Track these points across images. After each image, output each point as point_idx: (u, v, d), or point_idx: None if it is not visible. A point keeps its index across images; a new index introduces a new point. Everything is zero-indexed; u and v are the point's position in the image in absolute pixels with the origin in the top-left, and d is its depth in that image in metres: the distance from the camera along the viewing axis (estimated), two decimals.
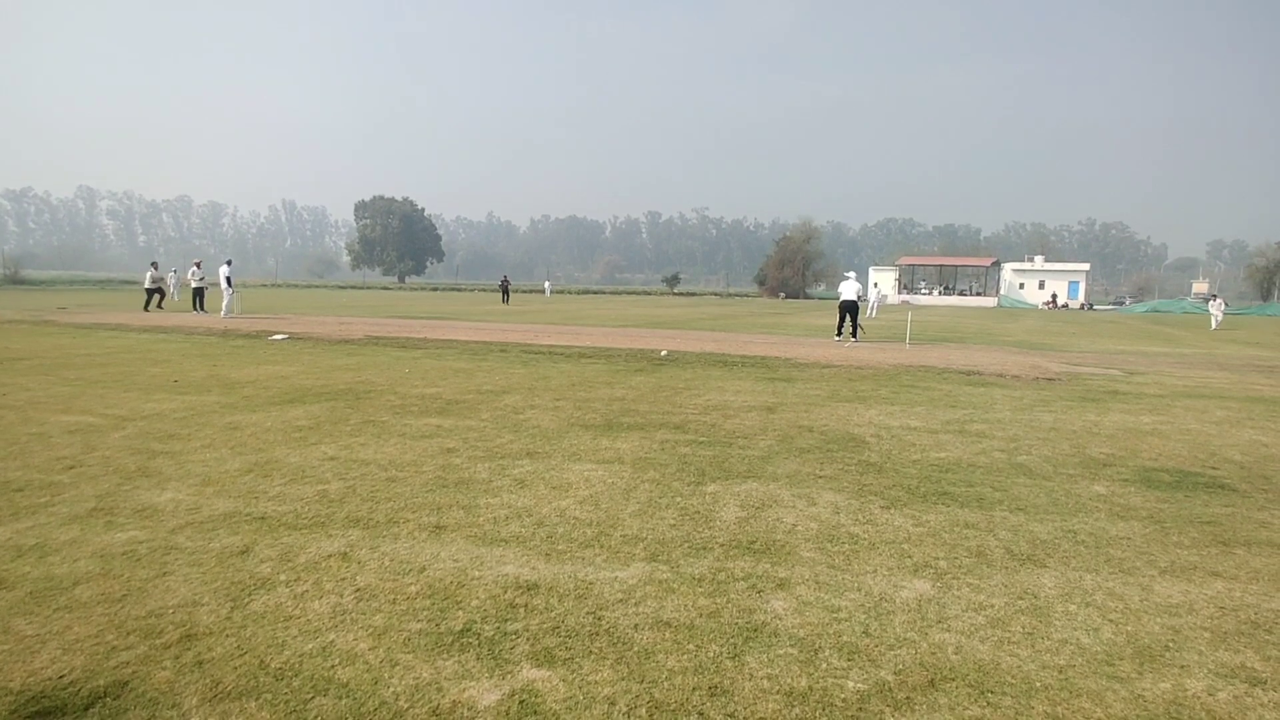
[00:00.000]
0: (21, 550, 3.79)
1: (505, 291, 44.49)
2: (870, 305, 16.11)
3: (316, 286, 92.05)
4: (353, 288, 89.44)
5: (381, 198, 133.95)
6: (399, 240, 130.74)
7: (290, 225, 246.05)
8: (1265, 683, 2.77)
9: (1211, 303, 34.73)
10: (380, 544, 3.95)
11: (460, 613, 3.20)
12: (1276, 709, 2.61)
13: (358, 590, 3.40)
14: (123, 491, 4.77)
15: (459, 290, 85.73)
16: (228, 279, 22.75)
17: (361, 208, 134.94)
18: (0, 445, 5.92)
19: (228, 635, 2.99)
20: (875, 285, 15.94)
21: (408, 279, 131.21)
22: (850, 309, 18.01)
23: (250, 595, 3.33)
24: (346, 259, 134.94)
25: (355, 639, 2.97)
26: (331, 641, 2.95)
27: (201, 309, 23.53)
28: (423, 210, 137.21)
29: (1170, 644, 3.05)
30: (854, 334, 17.98)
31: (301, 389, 8.91)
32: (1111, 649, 2.99)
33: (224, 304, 22.40)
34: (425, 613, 3.20)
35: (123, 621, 3.08)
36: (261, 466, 5.40)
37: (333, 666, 2.77)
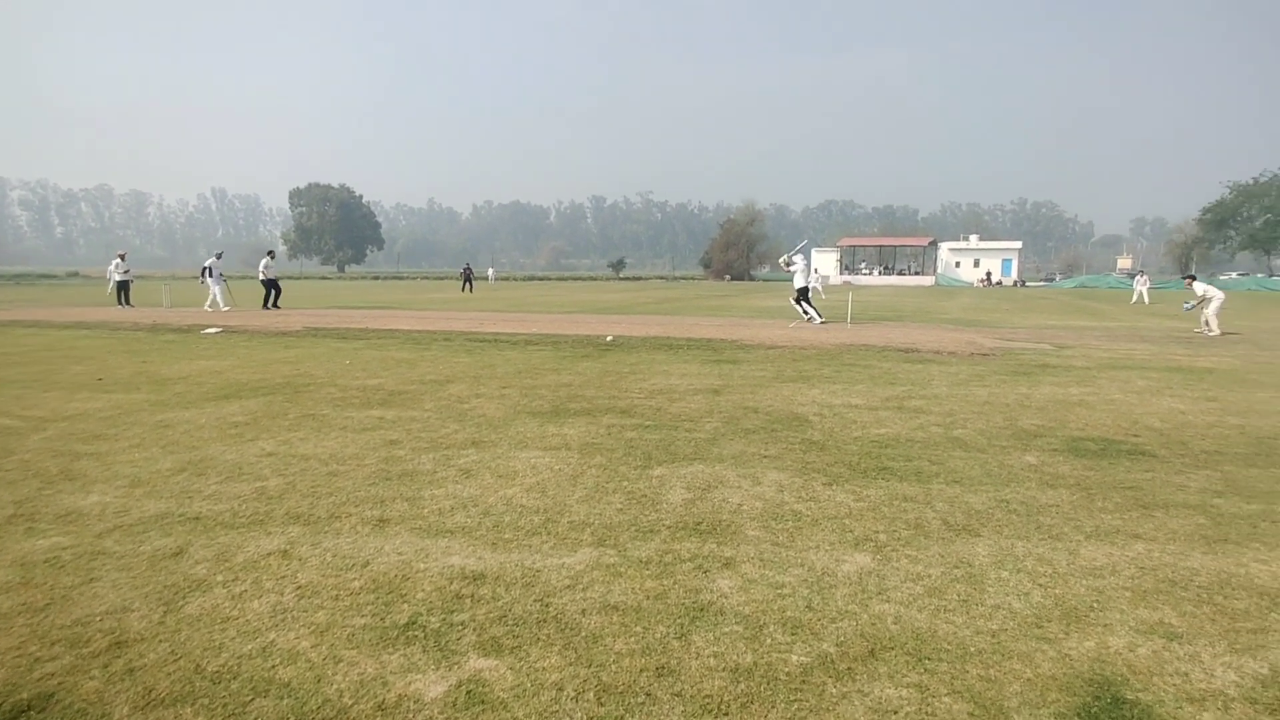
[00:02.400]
0: None
1: (468, 279, 43.37)
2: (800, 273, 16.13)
3: (251, 278, 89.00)
4: (290, 278, 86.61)
5: (318, 185, 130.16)
6: (337, 228, 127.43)
7: (222, 214, 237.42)
8: (1181, 637, 2.93)
9: (1137, 279, 35.98)
10: (322, 540, 3.86)
11: (405, 606, 3.16)
12: (1191, 661, 2.77)
13: (299, 588, 3.32)
14: (44, 496, 4.55)
15: (401, 279, 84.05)
16: (207, 269, 21.40)
17: (297, 195, 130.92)
18: None
19: (160, 640, 2.89)
20: (789, 265, 16.09)
21: (347, 268, 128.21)
22: (804, 293, 17.98)
23: (185, 598, 3.23)
24: (283, 248, 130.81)
25: (297, 637, 2.91)
26: (272, 641, 2.88)
27: (127, 303, 22.52)
28: (361, 197, 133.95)
29: (1095, 604, 3.20)
30: (806, 315, 17.93)
31: (237, 384, 8.64)
32: (1040, 612, 3.13)
33: (212, 298, 21.08)
34: (369, 608, 3.15)
35: (46, 631, 2.95)
36: (195, 465, 5.22)
37: (273, 667, 2.71)
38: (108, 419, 6.71)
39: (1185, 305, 17.70)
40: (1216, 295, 16.69)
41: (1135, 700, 2.53)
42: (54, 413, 7.00)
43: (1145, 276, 36.13)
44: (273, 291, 22.37)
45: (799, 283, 17.98)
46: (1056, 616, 3.09)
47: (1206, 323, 16.53)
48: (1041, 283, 75.87)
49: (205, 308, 21.11)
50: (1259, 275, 71.62)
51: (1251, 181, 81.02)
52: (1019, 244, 75.06)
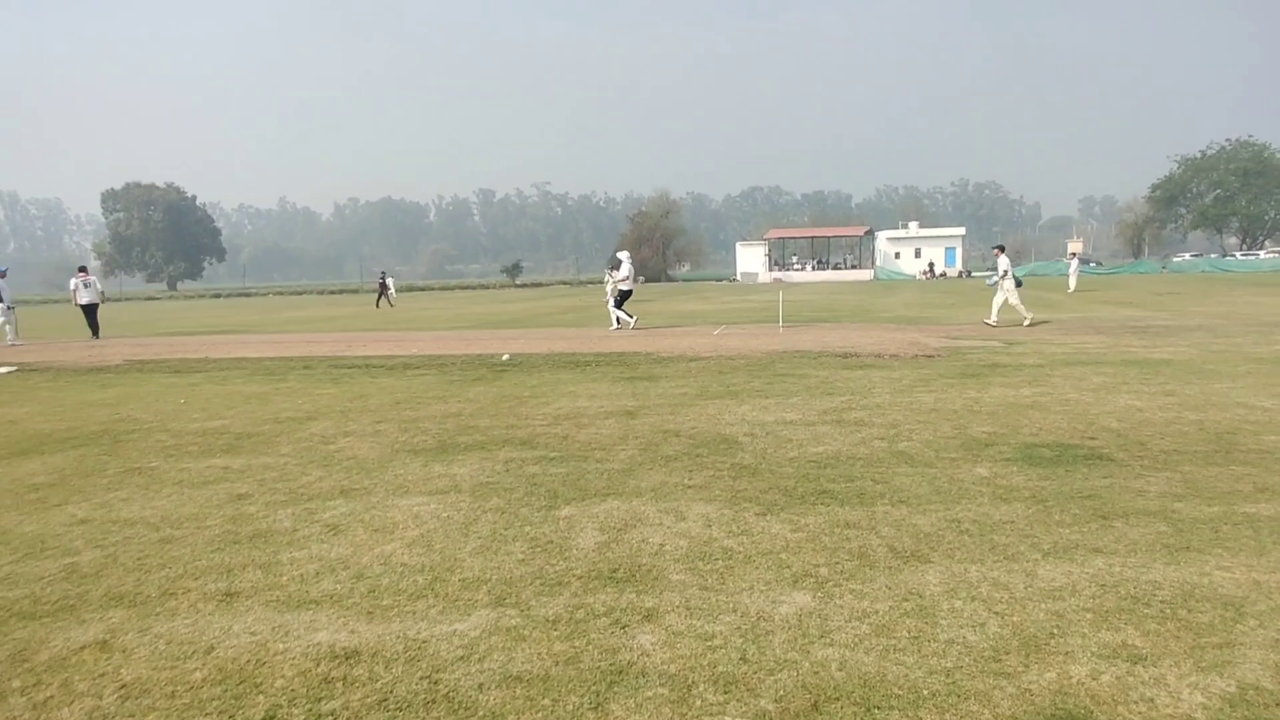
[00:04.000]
0: None
1: (383, 291, 39.84)
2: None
3: (56, 301, 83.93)
4: (107, 300, 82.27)
5: (138, 185, 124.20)
6: (165, 237, 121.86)
7: (13, 224, 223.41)
8: (1145, 659, 3.12)
9: (1071, 263, 38.75)
10: (152, 624, 3.67)
11: (261, 698, 3.03)
12: (1156, 684, 2.95)
13: (123, 687, 3.14)
14: None
15: (249, 295, 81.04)
16: None
17: (112, 198, 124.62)
18: None
19: None
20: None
21: (181, 285, 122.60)
22: (626, 295, 19.20)
23: None
24: (96, 264, 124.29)
25: None
26: None
27: None
28: (194, 198, 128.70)
29: (1055, 630, 3.37)
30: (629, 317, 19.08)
31: (38, 435, 8.12)
32: (998, 643, 3.27)
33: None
34: (215, 704, 3.00)
35: None
36: None
37: None
38: None
39: (988, 280, 18.97)
40: (1010, 280, 18.05)
41: None
42: None
43: (1076, 260, 39.18)
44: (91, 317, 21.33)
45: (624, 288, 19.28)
46: (1015, 647, 3.23)
47: (1015, 306, 17.83)
48: (988, 272, 79.83)
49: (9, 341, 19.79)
50: (1213, 255, 77.39)
51: (1199, 155, 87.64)
52: (962, 230, 78.76)
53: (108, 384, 12.05)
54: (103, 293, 23.38)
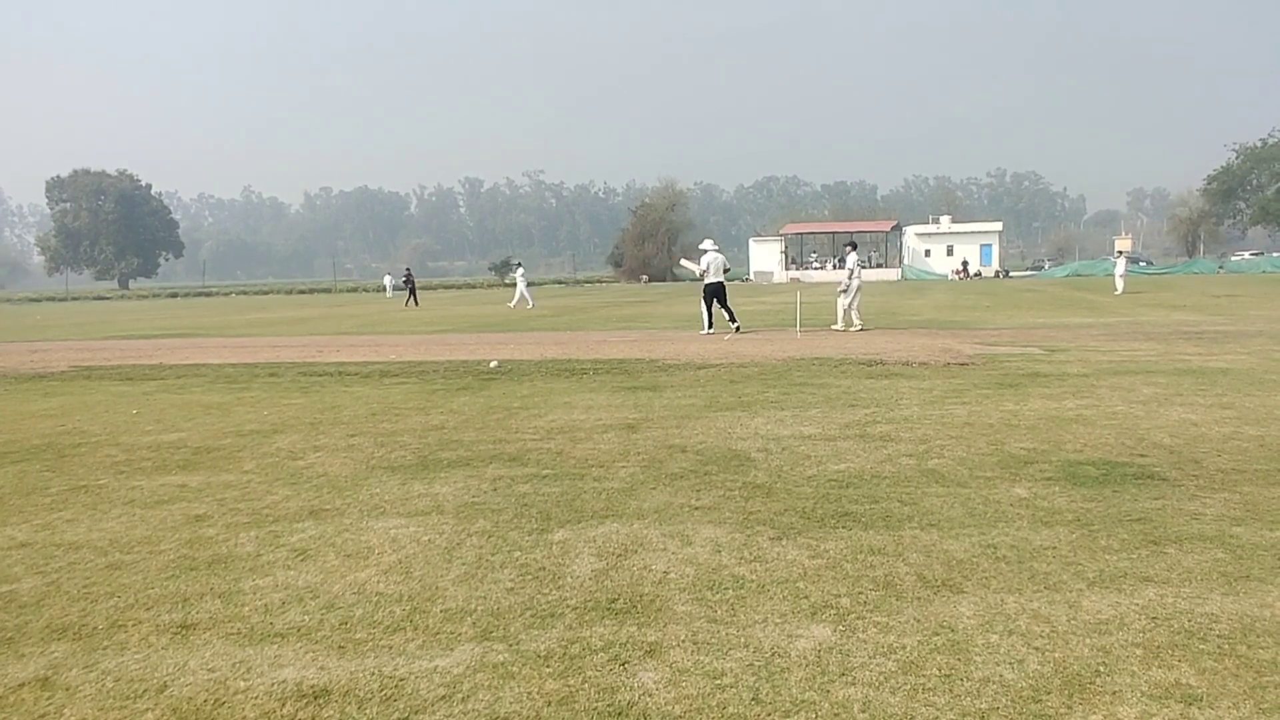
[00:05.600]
0: None
1: (411, 290, 43.47)
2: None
3: None
4: (51, 300, 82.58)
5: (87, 172, 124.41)
6: (116, 230, 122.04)
7: None
8: (1201, 699, 3.12)
9: (1118, 262, 38.81)
10: (100, 659, 3.67)
11: None
12: None
13: None
14: None
15: (209, 295, 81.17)
16: None
17: (57, 186, 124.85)
18: None
19: None
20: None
21: (133, 283, 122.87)
22: (718, 292, 18.49)
23: None
24: (39, 259, 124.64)
25: None
26: None
27: None
28: (149, 187, 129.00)
29: (1101, 668, 3.36)
30: (734, 321, 18.48)
31: None
32: (1038, 682, 3.27)
33: None
34: None
35: None
36: None
37: None
38: None
39: (840, 287, 19.44)
40: (858, 280, 18.73)
41: None
42: None
43: (1124, 259, 39.26)
44: None
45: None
46: (1057, 686, 3.23)
47: (850, 310, 18.60)
48: (1028, 272, 79.99)
49: None
50: (1275, 255, 77.31)
51: (1260, 144, 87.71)
52: (999, 225, 78.98)
53: (51, 392, 12.08)
54: None
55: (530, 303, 35.27)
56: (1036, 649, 3.53)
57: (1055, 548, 4.68)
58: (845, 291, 18.74)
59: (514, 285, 41.87)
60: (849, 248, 19.61)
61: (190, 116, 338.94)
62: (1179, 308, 25.40)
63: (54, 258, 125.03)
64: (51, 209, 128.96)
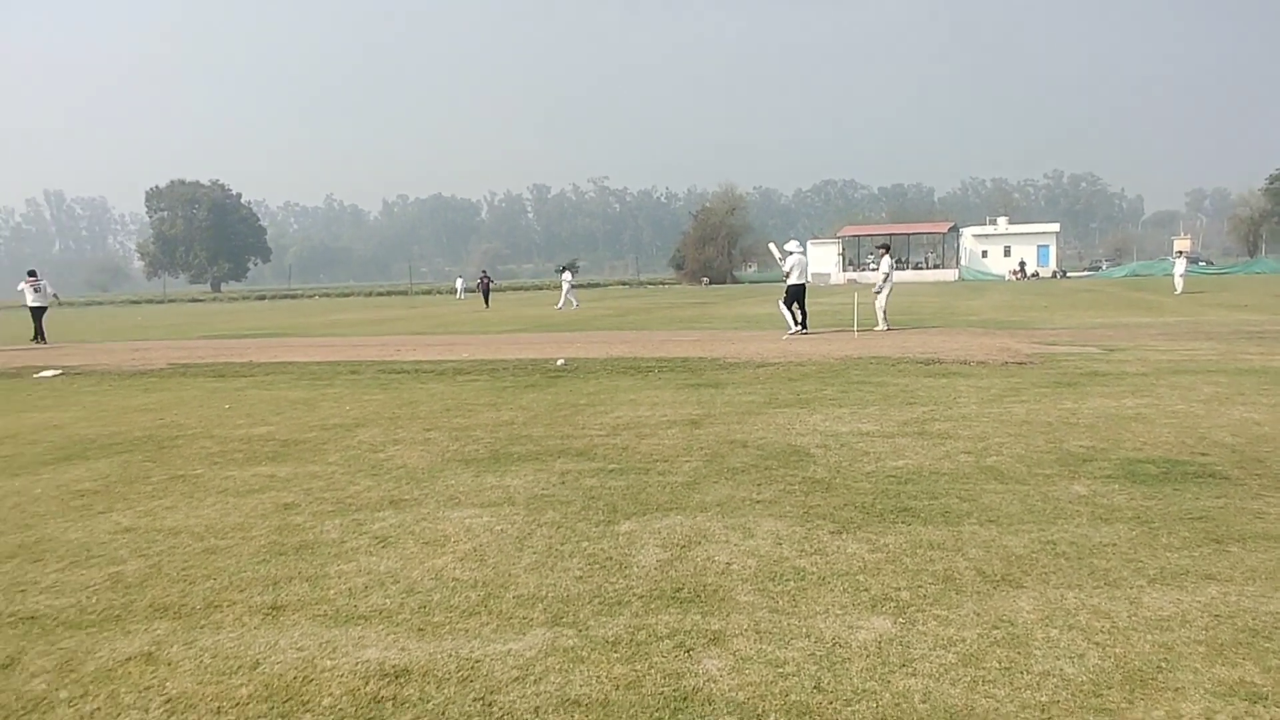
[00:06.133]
0: None
1: (486, 292, 44.08)
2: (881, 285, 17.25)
3: (100, 303, 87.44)
4: (150, 302, 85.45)
5: (183, 182, 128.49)
6: (209, 237, 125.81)
7: (59, 224, 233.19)
8: (1266, 698, 3.00)
9: (1178, 262, 37.50)
10: (198, 637, 3.79)
11: (308, 716, 3.11)
12: None
13: (169, 701, 3.25)
14: None
15: (294, 297, 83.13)
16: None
17: (156, 196, 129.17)
18: None
19: None
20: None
21: (225, 286, 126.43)
22: (798, 294, 17.93)
23: None
24: (139, 264, 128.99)
25: None
26: None
27: None
28: (239, 196, 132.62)
29: (1163, 664, 3.26)
30: (803, 324, 17.93)
31: (83, 441, 8.47)
32: (1098, 677, 3.18)
33: None
34: None
35: None
36: (29, 548, 5.10)
37: None
38: None
39: (875, 289, 19.19)
40: (891, 282, 18.78)
41: None
42: None
43: (1183, 259, 37.92)
44: (37, 322, 22.59)
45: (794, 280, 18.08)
46: (1118, 681, 3.14)
47: (885, 312, 18.49)
48: (1086, 272, 77.80)
49: None
50: None
51: None
52: (1056, 226, 76.98)
53: (151, 388, 12.51)
54: (55, 295, 24.45)
55: (575, 304, 35.60)
56: (1097, 644, 3.44)
57: (1115, 544, 4.55)
58: (879, 292, 18.69)
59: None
60: (882, 250, 19.76)
61: (277, 130, 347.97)
62: (1240, 308, 24.48)
63: (152, 263, 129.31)
64: (150, 217, 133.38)
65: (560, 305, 35.51)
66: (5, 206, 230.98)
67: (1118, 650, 3.38)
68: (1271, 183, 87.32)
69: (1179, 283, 35.14)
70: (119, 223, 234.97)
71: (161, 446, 8.07)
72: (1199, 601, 3.81)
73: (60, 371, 15.07)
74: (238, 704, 3.21)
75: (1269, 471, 5.92)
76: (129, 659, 3.61)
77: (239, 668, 3.50)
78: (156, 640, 3.78)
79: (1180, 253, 43.80)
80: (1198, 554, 4.39)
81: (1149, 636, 3.49)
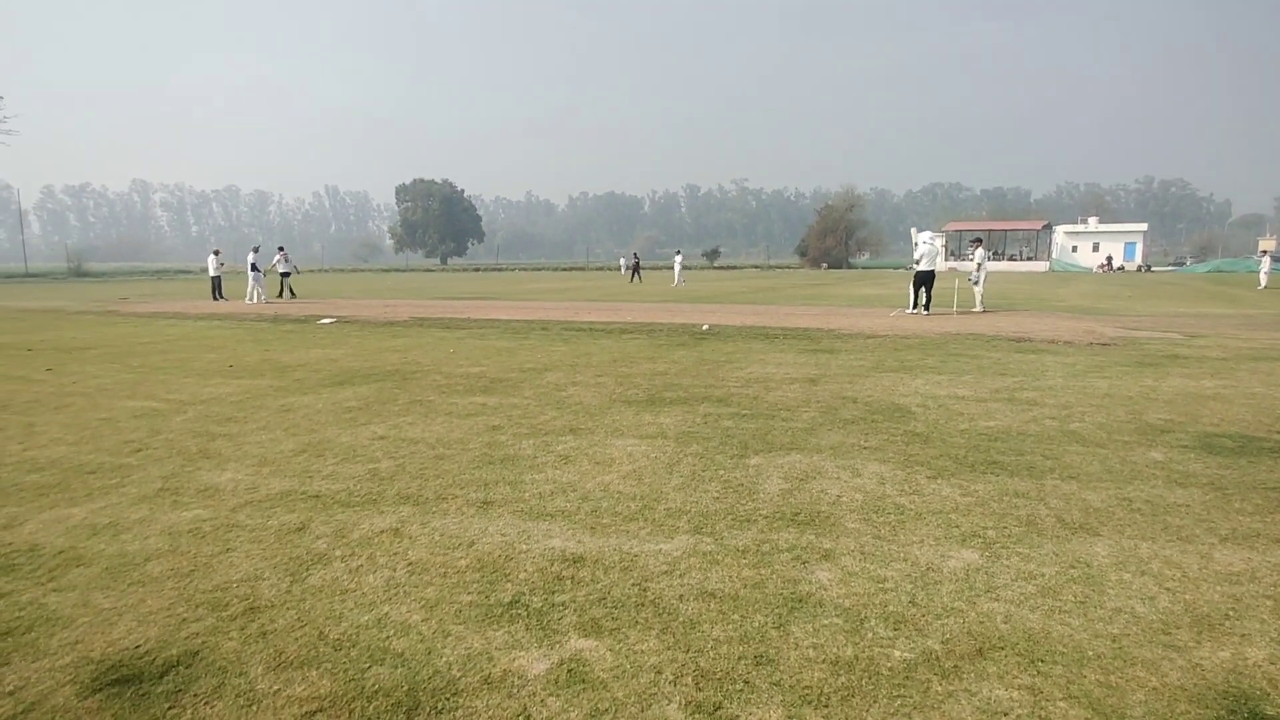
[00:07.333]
0: (96, 529, 3.99)
1: (636, 270, 41.11)
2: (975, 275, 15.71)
3: (361, 270, 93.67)
4: (396, 270, 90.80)
5: (421, 180, 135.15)
6: (440, 222, 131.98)
7: (334, 210, 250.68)
8: None
9: (1263, 260, 33.24)
10: (430, 520, 4.05)
11: (509, 585, 3.28)
12: None
13: (410, 564, 3.50)
14: (186, 472, 4.97)
15: (500, 270, 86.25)
16: (253, 265, 23.03)
17: (402, 191, 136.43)
18: (73, 430, 6.21)
19: (288, 608, 3.11)
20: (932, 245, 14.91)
21: (449, 260, 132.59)
22: (927, 280, 16.40)
23: (308, 570, 3.46)
24: (389, 242, 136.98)
25: (408, 611, 3.07)
26: (386, 613, 3.05)
27: (220, 297, 24.03)
28: (462, 191, 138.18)
29: (1231, 612, 2.97)
30: (926, 306, 16.48)
31: (350, 371, 9.13)
32: (1168, 617, 2.93)
33: (251, 291, 22.70)
34: (475, 585, 3.28)
35: (191, 595, 3.23)
36: (314, 447, 5.56)
37: (388, 637, 2.87)
38: (238, 403, 7.24)
39: (971, 278, 17.73)
40: (985, 271, 17.54)
41: (1276, 717, 2.34)
42: (192, 396, 7.61)
43: (1269, 257, 33.47)
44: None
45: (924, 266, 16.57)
46: (1186, 623, 2.89)
47: (981, 295, 17.39)
48: (1170, 267, 70.35)
49: (246, 300, 22.50)
50: None
51: None
52: (1144, 226, 69.72)
53: (397, 335, 13.33)
54: (295, 265, 26.44)
55: (682, 283, 35.07)
56: (1168, 589, 3.16)
57: (1189, 506, 4.15)
58: (975, 281, 17.77)
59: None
60: (975, 243, 18.66)
61: (492, 143, 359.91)
62: None
63: (399, 241, 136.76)
64: (398, 207, 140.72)
65: (675, 285, 34.38)
66: (298, 198, 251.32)
67: (1187, 597, 3.10)
68: None
69: (1263, 279, 31.27)
70: (376, 210, 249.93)
71: (405, 378, 8.59)
72: (1270, 562, 3.43)
73: (335, 320, 16.30)
74: (458, 571, 3.43)
75: None
76: (382, 531, 3.91)
77: (459, 544, 3.72)
78: (401, 520, 4.07)
79: (1265, 252, 38.94)
80: (1270, 520, 3.94)
81: (1218, 588, 3.18)
